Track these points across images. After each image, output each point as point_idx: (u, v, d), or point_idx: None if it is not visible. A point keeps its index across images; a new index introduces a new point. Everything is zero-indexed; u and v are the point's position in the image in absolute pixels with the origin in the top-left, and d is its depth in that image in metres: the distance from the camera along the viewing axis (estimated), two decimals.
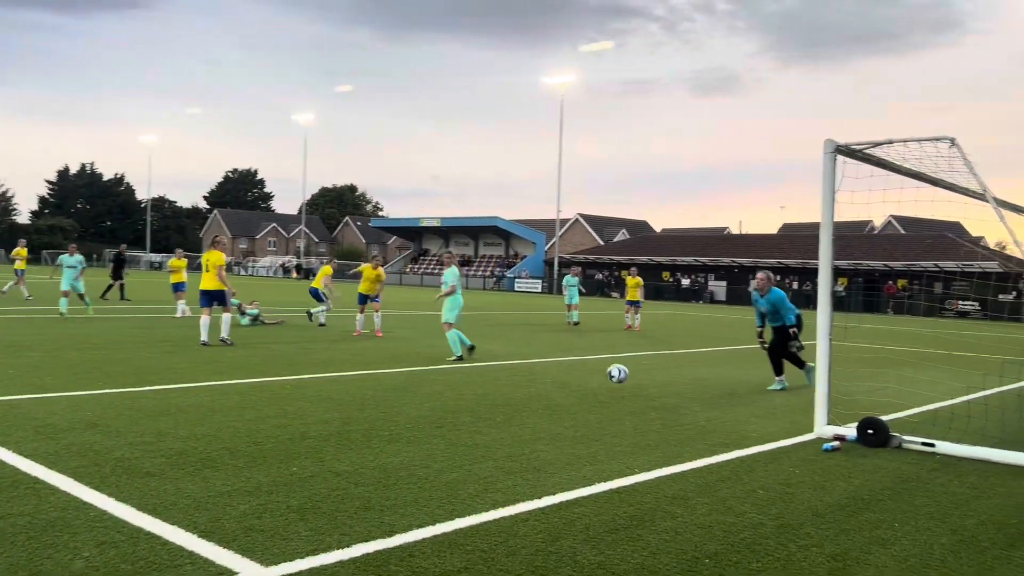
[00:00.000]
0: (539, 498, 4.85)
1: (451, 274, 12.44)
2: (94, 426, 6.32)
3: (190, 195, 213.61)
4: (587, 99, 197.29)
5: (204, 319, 12.85)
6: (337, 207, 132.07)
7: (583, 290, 23.19)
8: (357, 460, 5.60)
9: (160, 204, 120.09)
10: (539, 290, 61.25)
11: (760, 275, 10.66)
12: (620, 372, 9.48)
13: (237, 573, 3.52)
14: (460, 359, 12.04)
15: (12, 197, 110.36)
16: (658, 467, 5.78)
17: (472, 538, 4.10)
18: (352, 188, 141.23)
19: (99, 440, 5.84)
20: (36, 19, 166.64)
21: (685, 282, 58.01)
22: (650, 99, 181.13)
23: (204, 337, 12.65)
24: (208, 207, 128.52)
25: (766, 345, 10.56)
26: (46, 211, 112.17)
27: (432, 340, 15.51)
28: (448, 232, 79.91)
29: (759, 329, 10.78)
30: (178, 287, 19.36)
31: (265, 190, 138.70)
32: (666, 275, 60.08)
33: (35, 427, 6.19)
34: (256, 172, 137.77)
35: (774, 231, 79.98)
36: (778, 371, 10.30)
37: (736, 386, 10.50)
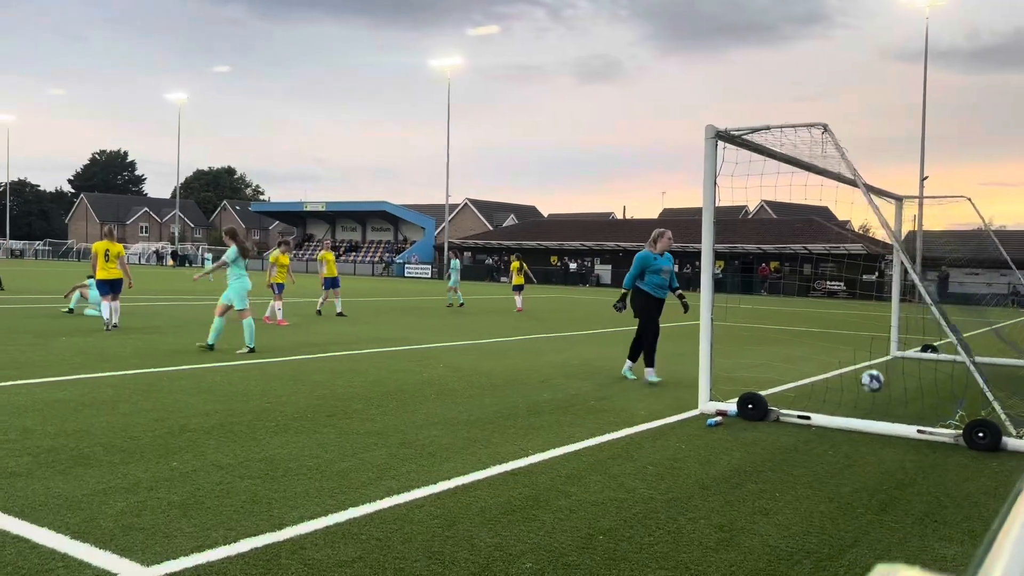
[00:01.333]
0: (434, 483, 4.80)
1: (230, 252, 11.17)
2: None
3: (54, 179, 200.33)
4: (475, 84, 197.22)
5: (106, 304, 13.52)
6: (214, 191, 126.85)
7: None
8: (242, 453, 5.39)
9: (20, 188, 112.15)
10: (429, 275, 60.95)
11: (669, 232, 9.97)
12: (875, 381, 8.14)
13: (116, 575, 3.31)
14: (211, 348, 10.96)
15: None
16: (552, 447, 5.84)
17: (366, 527, 4.01)
18: (230, 171, 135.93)
19: None
20: None
21: (572, 266, 59.05)
22: (537, 85, 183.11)
23: (107, 316, 13.43)
24: (74, 191, 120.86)
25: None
26: None
27: (321, 327, 15.15)
28: (334, 217, 78.24)
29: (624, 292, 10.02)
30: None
31: (136, 173, 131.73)
32: (554, 259, 60.98)
33: None
34: (126, 154, 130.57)
35: (656, 216, 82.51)
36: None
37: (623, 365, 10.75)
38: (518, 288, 22.65)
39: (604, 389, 8.73)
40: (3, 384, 7.72)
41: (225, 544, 3.69)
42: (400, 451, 5.57)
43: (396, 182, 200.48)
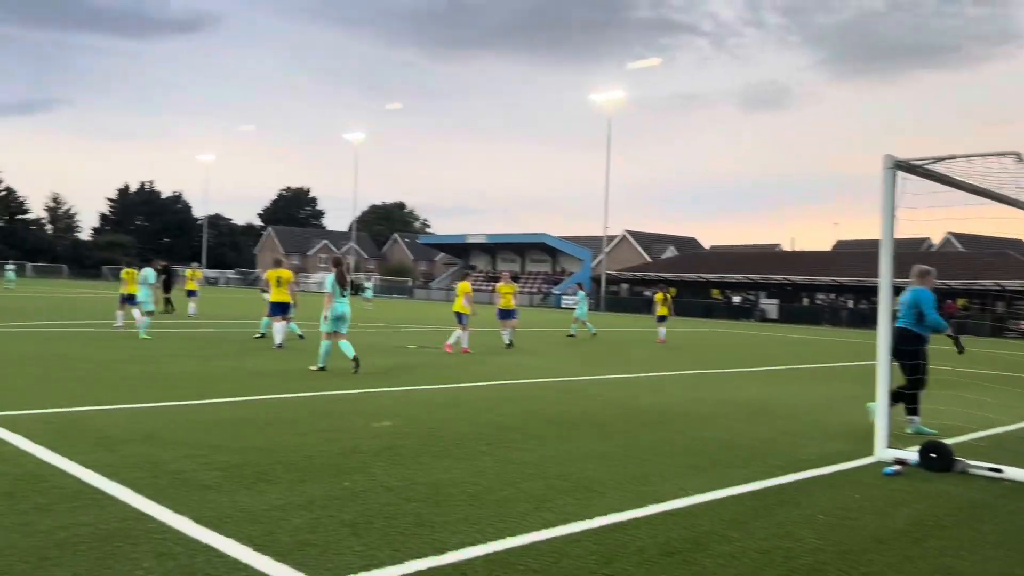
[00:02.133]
0: (591, 519, 4.79)
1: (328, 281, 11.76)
2: (151, 438, 6.44)
3: (245, 213, 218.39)
4: (635, 115, 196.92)
5: (277, 325, 15.34)
6: (386, 224, 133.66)
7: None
8: (408, 476, 5.61)
9: (216, 221, 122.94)
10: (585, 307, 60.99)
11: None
12: None
13: None
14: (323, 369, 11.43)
15: (75, 215, 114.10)
16: (713, 489, 5.67)
17: (524, 557, 4.06)
18: (400, 205, 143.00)
19: (156, 452, 5.95)
20: (99, 42, 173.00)
21: (736, 300, 57.19)
22: (699, 114, 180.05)
23: (278, 341, 15.09)
24: (262, 224, 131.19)
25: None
26: (107, 228, 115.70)
27: (479, 356, 15.52)
28: (495, 248, 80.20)
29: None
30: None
31: (317, 208, 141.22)
32: (716, 292, 59.35)
33: (95, 438, 6.33)
34: (308, 190, 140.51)
35: (827, 248, 78.50)
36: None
37: (792, 406, 10.28)
38: (662, 319, 23.30)
39: (768, 430, 8.37)
40: (197, 402, 8.46)
41: (392, 564, 3.85)
42: (556, 483, 5.59)
43: (554, 214, 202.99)
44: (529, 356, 16.19)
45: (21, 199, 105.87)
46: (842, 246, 79.60)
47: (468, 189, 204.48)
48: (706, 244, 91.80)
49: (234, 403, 8.49)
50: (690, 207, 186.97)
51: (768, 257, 66.52)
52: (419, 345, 17.72)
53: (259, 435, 6.77)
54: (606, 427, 8.04)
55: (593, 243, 76.71)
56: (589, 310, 26.14)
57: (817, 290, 54.71)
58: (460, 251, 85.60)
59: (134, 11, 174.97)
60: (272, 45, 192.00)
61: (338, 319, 11.76)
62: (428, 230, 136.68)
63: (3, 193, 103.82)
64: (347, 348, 11.58)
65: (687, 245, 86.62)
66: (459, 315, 16.45)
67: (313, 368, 11.59)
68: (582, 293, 25.67)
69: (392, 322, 28.41)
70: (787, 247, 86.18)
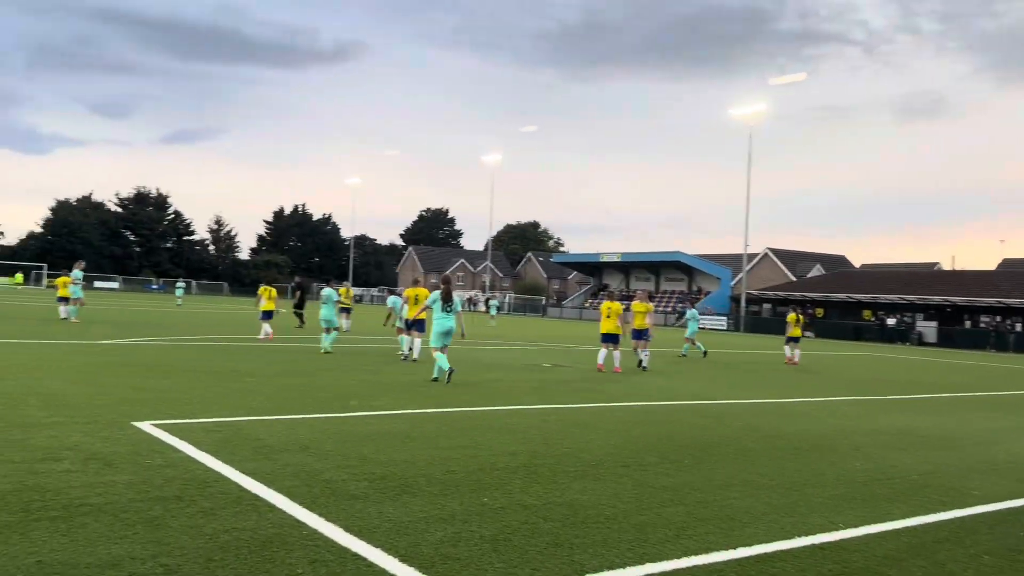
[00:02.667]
0: (733, 548, 4.65)
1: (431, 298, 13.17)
2: (306, 448, 6.80)
3: (388, 233, 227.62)
4: (777, 128, 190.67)
5: (416, 341, 15.94)
6: (520, 243, 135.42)
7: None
8: (545, 495, 5.64)
9: (361, 242, 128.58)
10: (724, 327, 59.31)
11: None
12: None
13: None
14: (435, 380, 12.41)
15: (235, 236, 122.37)
16: (866, 523, 5.37)
17: None
18: (535, 225, 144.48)
19: (310, 462, 6.28)
20: (255, 73, 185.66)
21: (890, 322, 53.96)
22: (847, 126, 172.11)
23: (405, 351, 16.13)
24: (404, 244, 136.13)
25: None
26: (263, 248, 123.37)
27: (613, 376, 15.40)
28: (628, 267, 79.51)
29: None
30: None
31: (455, 228, 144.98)
32: (867, 314, 56.27)
33: (254, 447, 6.75)
34: (447, 211, 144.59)
35: (992, 267, 72.82)
36: None
37: (953, 438, 9.59)
38: (794, 340, 22.71)
39: (926, 462, 7.84)
40: (347, 415, 8.86)
41: None
42: (697, 510, 5.47)
43: (691, 233, 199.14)
44: (665, 377, 15.92)
45: (187, 221, 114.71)
46: (1008, 265, 73.64)
47: (602, 208, 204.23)
48: (856, 263, 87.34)
49: (380, 416, 8.84)
50: (838, 224, 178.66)
51: (926, 276, 62.37)
52: (553, 364, 17.80)
53: (402, 448, 7.01)
54: (748, 454, 7.79)
55: (732, 261, 74.63)
56: (727, 330, 25.70)
57: (981, 312, 50.79)
58: (593, 270, 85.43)
59: (287, 44, 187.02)
60: (414, 72, 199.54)
61: (444, 334, 12.70)
62: (561, 249, 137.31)
63: (171, 216, 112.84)
64: (442, 361, 12.38)
65: (835, 263, 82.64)
66: (610, 336, 16.47)
67: (433, 379, 12.48)
68: (693, 311, 25.65)
69: (523, 340, 28.69)
70: (947, 266, 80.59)
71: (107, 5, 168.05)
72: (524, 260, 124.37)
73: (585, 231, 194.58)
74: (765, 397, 13.43)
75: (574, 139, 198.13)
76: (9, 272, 75.64)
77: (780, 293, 62.62)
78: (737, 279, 69.50)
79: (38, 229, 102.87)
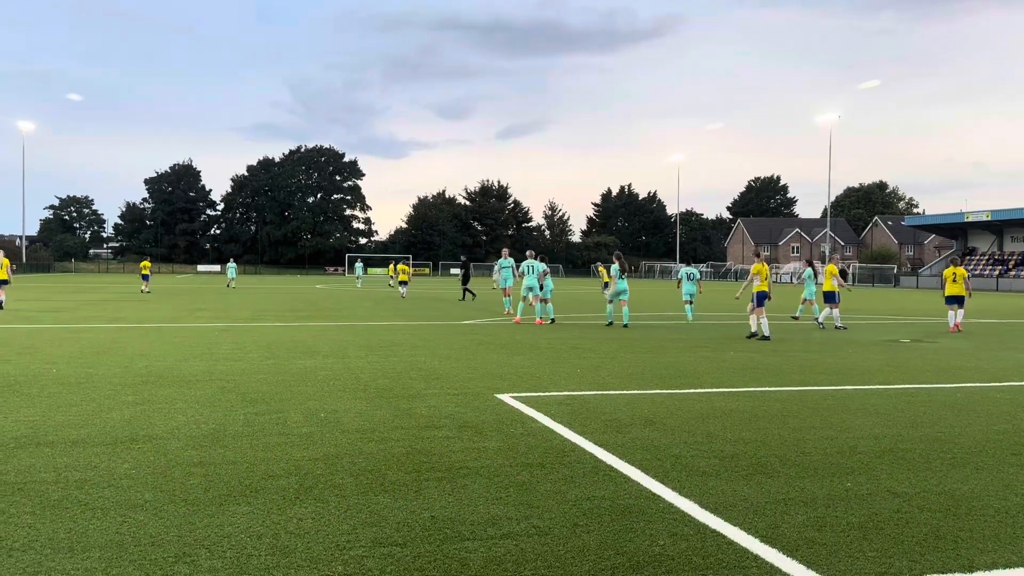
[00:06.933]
0: None
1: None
2: (651, 423, 6.94)
3: (714, 207, 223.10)
4: None
5: (764, 319, 15.69)
6: (864, 207, 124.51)
7: None
8: (917, 482, 5.14)
9: (687, 218, 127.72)
10: None
11: None
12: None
13: None
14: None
15: (568, 220, 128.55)
16: None
17: None
18: (881, 186, 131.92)
19: (657, 436, 6.40)
20: (578, 61, 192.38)
21: None
22: None
23: (753, 329, 15.86)
24: (731, 217, 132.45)
25: None
26: (593, 230, 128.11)
27: (994, 353, 13.52)
28: (1001, 227, 69.14)
29: None
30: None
31: (788, 196, 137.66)
32: None
33: (604, 421, 7.04)
34: (779, 179, 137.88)
35: None
36: None
37: None
38: (951, 300, 18.41)
39: None
40: (688, 391, 8.87)
41: (910, 574, 3.57)
42: None
43: None
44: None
45: (525, 209, 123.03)
46: None
47: (962, 162, 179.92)
48: None
49: (722, 393, 8.71)
50: None
51: None
52: (912, 339, 16.12)
53: (749, 427, 6.84)
54: None
55: None
56: None
57: None
58: (956, 232, 75.64)
59: (607, 28, 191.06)
60: (735, 37, 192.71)
61: (618, 293, 17.83)
62: (915, 211, 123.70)
63: (511, 206, 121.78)
64: (624, 315, 16.85)
65: None
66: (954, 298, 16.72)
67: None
68: (809, 270, 21.75)
69: (872, 313, 26.33)
70: None
71: (445, 15, 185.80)
72: (871, 225, 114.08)
73: (943, 189, 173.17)
74: None
75: (923, 88, 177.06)
76: (384, 264, 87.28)
77: None
78: None
79: (403, 224, 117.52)
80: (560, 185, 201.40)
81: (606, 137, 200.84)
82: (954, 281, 18.41)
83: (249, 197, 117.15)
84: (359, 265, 54.31)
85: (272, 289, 42.37)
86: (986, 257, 68.94)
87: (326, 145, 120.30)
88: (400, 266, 34.99)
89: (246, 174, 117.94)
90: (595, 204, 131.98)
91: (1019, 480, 5.22)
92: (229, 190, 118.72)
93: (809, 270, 22.40)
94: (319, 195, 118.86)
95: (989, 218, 67.37)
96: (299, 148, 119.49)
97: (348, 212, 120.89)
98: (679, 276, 20.96)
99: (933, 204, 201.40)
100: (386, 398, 8.04)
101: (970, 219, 69.37)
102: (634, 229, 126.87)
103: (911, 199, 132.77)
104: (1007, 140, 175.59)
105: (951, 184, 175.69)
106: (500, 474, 5.20)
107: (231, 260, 49.97)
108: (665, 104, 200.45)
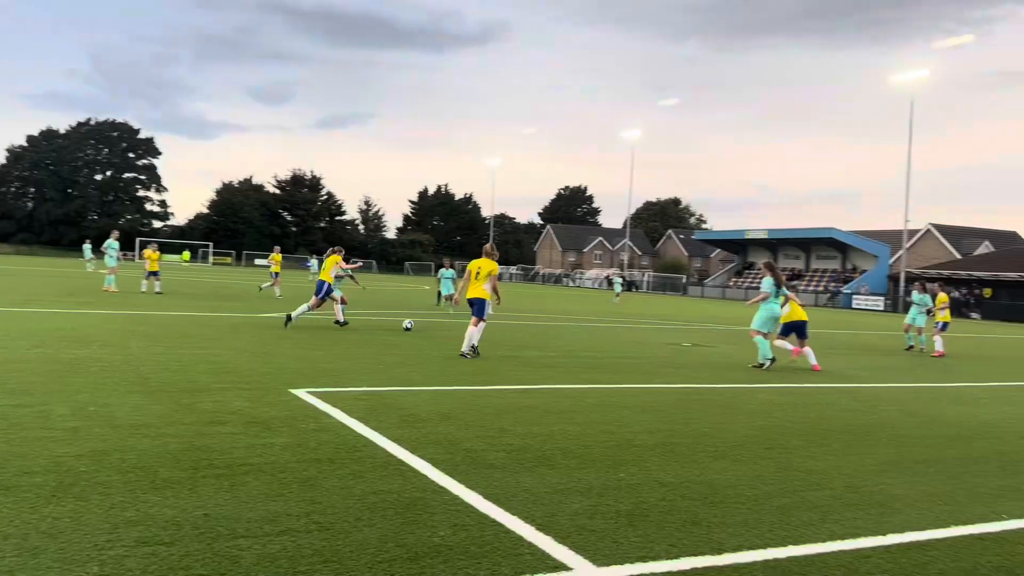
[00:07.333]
0: (883, 535, 4.43)
1: (766, 282, 13.27)
2: (448, 418, 7.03)
3: (526, 212, 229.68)
4: (944, 96, 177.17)
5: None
6: (660, 220, 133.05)
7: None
8: (682, 473, 5.57)
9: (501, 220, 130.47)
10: (881, 308, 56.03)
11: None
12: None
13: (572, 569, 3.69)
14: (773, 360, 12.72)
15: (383, 216, 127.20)
16: None
17: (807, 568, 3.87)
18: (676, 201, 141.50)
19: (452, 431, 6.49)
20: (404, 58, 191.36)
21: None
22: (1022, 92, 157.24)
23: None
24: (542, 223, 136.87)
25: None
26: (409, 227, 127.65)
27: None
28: (776, 244, 76.46)
29: None
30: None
31: (593, 205, 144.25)
32: None
33: (401, 416, 7.04)
34: (586, 189, 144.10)
35: None
36: None
37: None
38: (944, 326, 18.52)
39: None
40: (488, 388, 9.07)
41: (668, 559, 3.87)
42: (845, 495, 5.24)
43: (846, 208, 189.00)
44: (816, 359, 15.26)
45: (339, 202, 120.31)
46: None
47: (748, 183, 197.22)
48: None
49: (519, 391, 8.99)
50: (1010, 198, 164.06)
51: None
52: (693, 343, 17.46)
53: (539, 422, 7.11)
54: (904, 439, 7.36)
55: (891, 238, 70.30)
56: (884, 311, 23.54)
57: None
58: (737, 247, 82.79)
59: (434, 28, 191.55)
60: (555, 49, 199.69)
61: (772, 319, 13.23)
62: (704, 226, 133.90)
63: (324, 197, 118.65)
64: (765, 348, 12.91)
65: (1006, 240, 76.07)
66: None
67: (754, 365, 12.87)
68: (925, 296, 20.14)
69: (661, 319, 28.26)
70: None
71: None
72: (664, 238, 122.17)
73: (729, 208, 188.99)
74: (925, 381, 12.64)
75: (719, 114, 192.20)
76: (178, 250, 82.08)
77: (944, 272, 58.37)
78: (896, 257, 65.47)
79: (205, 210, 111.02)
80: (377, 180, 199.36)
81: (426, 136, 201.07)
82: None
83: (27, 171, 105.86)
84: (87, 247, 45.47)
85: (48, 272, 38.56)
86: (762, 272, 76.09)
87: (120, 120, 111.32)
88: (147, 251, 24.97)
89: (25, 145, 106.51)
90: (412, 202, 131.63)
91: (769, 471, 5.80)
92: (3, 161, 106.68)
93: (922, 295, 19.97)
94: (109, 173, 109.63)
95: (766, 236, 74.36)
96: (88, 121, 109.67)
97: (142, 193, 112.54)
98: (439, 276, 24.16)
99: (720, 221, 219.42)
100: (168, 392, 7.56)
101: (750, 236, 76.22)
102: (450, 229, 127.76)
103: (701, 215, 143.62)
104: (787, 166, 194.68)
105: (738, 203, 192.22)
106: (285, 470, 5.05)
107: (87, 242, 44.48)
108: (485, 108, 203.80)
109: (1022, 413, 9.50)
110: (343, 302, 16.45)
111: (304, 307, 15.56)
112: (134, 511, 4.11)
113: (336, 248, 17.13)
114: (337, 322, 16.07)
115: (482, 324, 12.03)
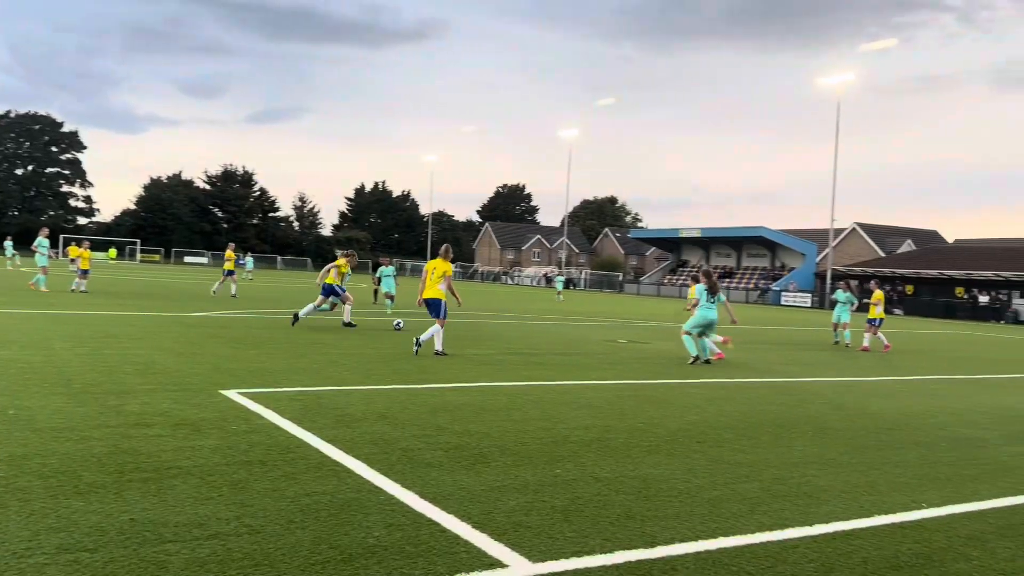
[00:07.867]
0: (810, 525, 4.57)
1: (697, 290, 13.73)
2: (384, 418, 6.97)
3: (465, 210, 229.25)
4: (869, 100, 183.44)
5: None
6: (597, 219, 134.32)
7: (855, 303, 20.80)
8: (617, 468, 5.65)
9: (439, 218, 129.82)
10: (808, 305, 57.72)
11: None
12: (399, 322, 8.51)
13: (507, 566, 3.70)
14: (696, 359, 13.01)
15: (318, 212, 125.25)
16: (950, 503, 5.19)
17: (737, 558, 3.96)
18: (612, 200, 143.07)
19: (388, 431, 6.44)
20: (339, 52, 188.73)
21: (983, 299, 51.60)
22: (942, 97, 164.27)
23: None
24: (480, 220, 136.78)
25: None
26: (345, 224, 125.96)
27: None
28: (708, 243, 78.04)
29: None
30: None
31: (531, 204, 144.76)
32: (960, 291, 53.94)
33: (336, 416, 6.95)
34: (524, 187, 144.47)
35: None
36: None
37: None
38: (875, 323, 19.26)
39: (1019, 444, 7.51)
40: (424, 386, 9.03)
41: (602, 553, 3.91)
42: (773, 487, 5.39)
43: (776, 207, 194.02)
44: (745, 355, 15.64)
45: (272, 199, 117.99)
46: None
47: (682, 183, 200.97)
48: (949, 238, 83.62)
49: (456, 389, 8.97)
50: (931, 198, 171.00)
51: (1023, 253, 59.21)
52: (629, 340, 17.70)
53: (476, 420, 7.11)
54: (829, 432, 7.60)
55: (818, 237, 72.46)
56: (811, 307, 24.17)
57: None
58: (672, 245, 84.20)
59: (370, 23, 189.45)
60: (493, 48, 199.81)
61: (707, 325, 13.34)
62: (640, 225, 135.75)
63: (257, 193, 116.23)
64: (690, 345, 13.20)
65: (926, 239, 79.30)
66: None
67: (689, 362, 13.03)
68: (848, 294, 20.36)
69: (598, 316, 28.57)
70: None
71: None
72: (601, 236, 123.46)
73: (665, 207, 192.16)
74: (849, 376, 13.07)
75: (654, 114, 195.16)
76: (104, 247, 79.32)
77: (868, 269, 60.46)
78: (823, 255, 67.51)
79: (132, 206, 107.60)
80: (312, 177, 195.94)
81: (362, 132, 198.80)
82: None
83: None
84: (8, 244, 46.10)
85: None
86: (695, 270, 77.57)
87: (41, 112, 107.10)
88: (79, 249, 24.03)
89: None
90: (348, 199, 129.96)
91: (700, 464, 5.92)
92: None
93: (845, 292, 20.31)
94: (31, 167, 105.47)
95: (699, 235, 75.84)
96: (7, 113, 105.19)
97: (66, 188, 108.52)
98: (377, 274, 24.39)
99: (656, 220, 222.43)
100: (92, 394, 7.31)
101: (683, 235, 77.62)
102: (387, 226, 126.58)
103: (637, 214, 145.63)
104: (719, 165, 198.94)
105: (673, 203, 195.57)
106: (214, 473, 4.93)
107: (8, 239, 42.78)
108: (423, 105, 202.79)
109: (942, 405, 9.90)
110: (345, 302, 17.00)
111: (311, 307, 16.02)
112: (55, 517, 3.96)
113: (348, 252, 18.32)
114: (345, 323, 16.65)
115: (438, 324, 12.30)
